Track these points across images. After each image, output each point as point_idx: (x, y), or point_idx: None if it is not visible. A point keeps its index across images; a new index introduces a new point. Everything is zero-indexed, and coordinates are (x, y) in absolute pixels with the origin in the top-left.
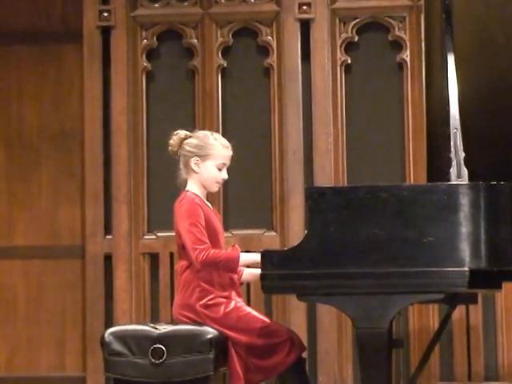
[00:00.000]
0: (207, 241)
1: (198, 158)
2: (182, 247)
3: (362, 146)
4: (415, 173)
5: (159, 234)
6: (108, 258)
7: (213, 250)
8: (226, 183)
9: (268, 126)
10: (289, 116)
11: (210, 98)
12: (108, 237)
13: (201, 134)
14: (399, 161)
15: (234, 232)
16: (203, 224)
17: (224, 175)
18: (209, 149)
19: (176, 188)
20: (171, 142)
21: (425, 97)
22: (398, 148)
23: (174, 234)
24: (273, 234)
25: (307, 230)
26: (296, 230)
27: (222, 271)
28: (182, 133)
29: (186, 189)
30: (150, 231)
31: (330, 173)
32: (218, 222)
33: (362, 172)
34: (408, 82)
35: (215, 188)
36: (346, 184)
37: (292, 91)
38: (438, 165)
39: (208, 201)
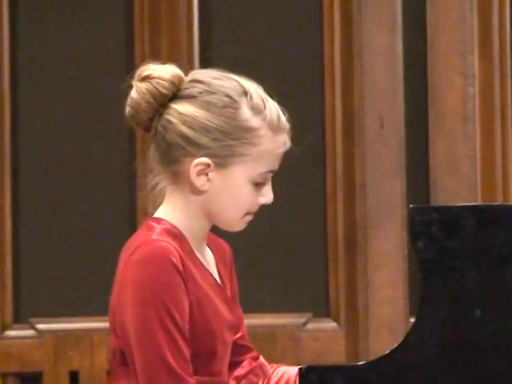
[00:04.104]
0: (190, 367)
1: (208, 161)
2: (120, 360)
3: None
4: None
5: (43, 327)
6: None
7: None
8: None
9: (316, 60)
10: (368, 34)
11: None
12: None
13: (221, 85)
14: None
15: None
16: (182, 321)
17: (267, 196)
18: (243, 139)
19: (105, 214)
20: (134, 96)
21: None
22: None
23: (77, 324)
24: (330, 324)
25: (417, 314)
26: (386, 313)
27: None
28: (170, 73)
29: (157, 215)
30: (20, 319)
31: (472, 172)
32: (220, 302)
33: None
34: None
35: (241, 225)
36: None
37: None
38: None
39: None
